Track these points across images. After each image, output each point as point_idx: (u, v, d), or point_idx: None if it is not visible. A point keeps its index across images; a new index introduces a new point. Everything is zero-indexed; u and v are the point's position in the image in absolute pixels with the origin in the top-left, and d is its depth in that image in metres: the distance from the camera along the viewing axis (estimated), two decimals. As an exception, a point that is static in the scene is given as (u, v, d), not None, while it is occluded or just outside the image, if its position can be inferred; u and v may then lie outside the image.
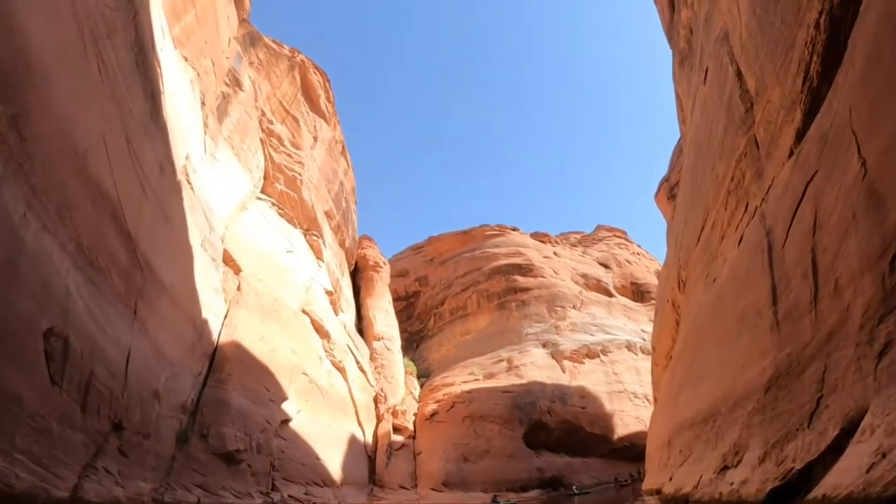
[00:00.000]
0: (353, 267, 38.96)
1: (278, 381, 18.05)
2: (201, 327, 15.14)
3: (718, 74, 10.93)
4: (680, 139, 36.11)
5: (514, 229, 53.62)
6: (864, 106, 5.30)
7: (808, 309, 6.08)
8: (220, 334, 16.02)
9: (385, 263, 41.78)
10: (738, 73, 9.60)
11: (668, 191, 36.67)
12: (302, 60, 31.40)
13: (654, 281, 45.65)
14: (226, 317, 16.90)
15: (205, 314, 15.57)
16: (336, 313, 29.13)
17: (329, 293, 29.10)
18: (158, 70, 14.66)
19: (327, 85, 34.85)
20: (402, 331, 43.00)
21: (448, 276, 47.90)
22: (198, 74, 20.51)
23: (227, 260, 19.51)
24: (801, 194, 6.58)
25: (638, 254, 50.92)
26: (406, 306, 47.85)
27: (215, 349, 15.41)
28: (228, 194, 21.58)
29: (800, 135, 7.14)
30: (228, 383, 14.64)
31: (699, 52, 14.98)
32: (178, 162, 16.08)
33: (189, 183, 17.01)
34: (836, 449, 5.25)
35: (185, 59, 19.57)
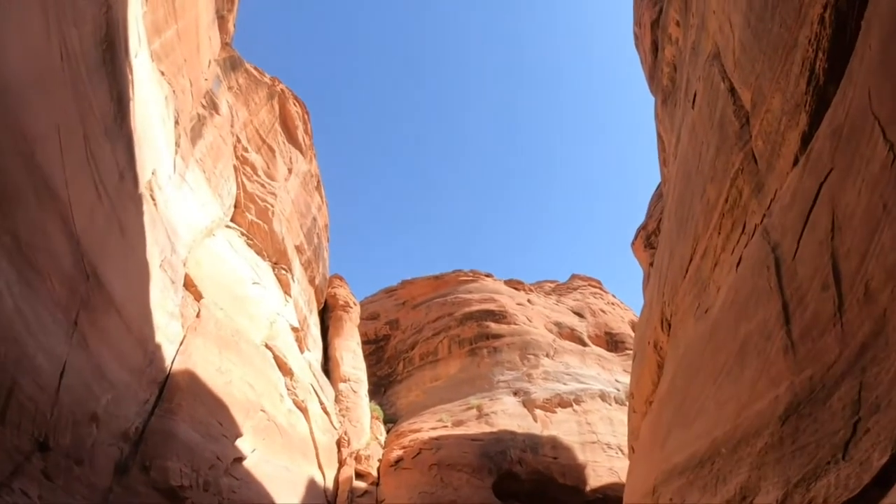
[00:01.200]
0: (322, 306, 37.73)
1: (233, 416, 16.69)
2: (153, 352, 13.92)
3: (709, 94, 10.69)
4: (659, 185, 36.54)
5: (489, 275, 53.19)
6: (885, 86, 4.83)
7: (831, 323, 5.43)
8: (173, 361, 14.77)
9: (355, 304, 40.63)
10: (731, 90, 9.33)
11: (646, 239, 36.77)
12: (282, 90, 31.09)
13: (629, 331, 45.28)
14: (181, 344, 15.67)
15: (158, 338, 14.37)
16: (302, 351, 27.80)
17: (295, 330, 27.82)
18: (130, 76, 13.95)
19: (306, 117, 34.53)
20: (371, 375, 41.47)
21: (420, 321, 46.82)
22: (174, 92, 19.85)
23: (189, 285, 18.37)
24: (812, 199, 6.05)
25: (613, 304, 50.74)
26: (376, 350, 46.42)
27: (167, 377, 14.15)
28: (195, 218, 20.60)
29: (806, 139, 6.70)
30: (178, 414, 13.36)
31: (684, 84, 14.95)
32: (143, 175, 15.18)
33: (153, 199, 16.06)
34: (883, 482, 4.48)
35: (163, 73, 18.94)
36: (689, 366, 11.43)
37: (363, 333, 43.51)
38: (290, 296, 28.80)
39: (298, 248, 32.75)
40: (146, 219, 14.60)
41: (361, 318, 44.43)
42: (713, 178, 10.30)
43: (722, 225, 9.70)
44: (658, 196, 37.21)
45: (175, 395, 13.78)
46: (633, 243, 40.26)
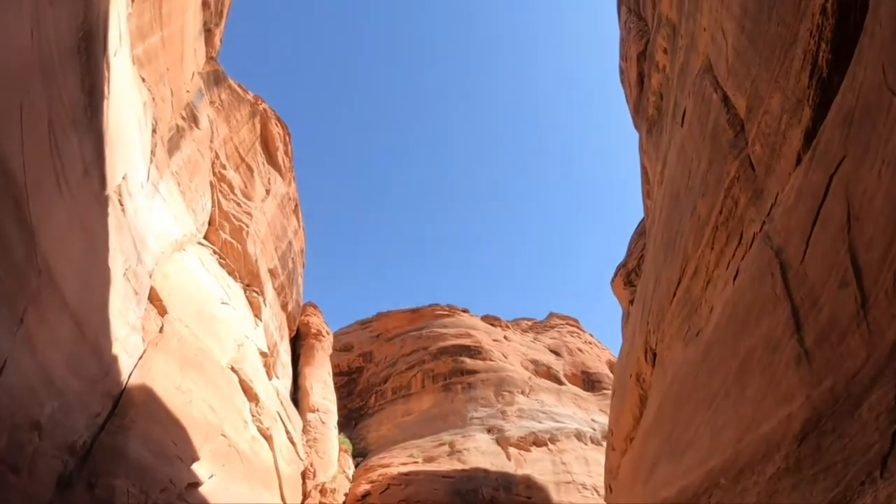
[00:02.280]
0: (293, 333, 36.58)
1: (191, 438, 15.61)
2: (109, 363, 12.99)
3: (700, 109, 10.53)
4: (640, 222, 36.65)
5: (465, 311, 52.59)
6: (902, 58, 4.53)
7: (853, 323, 4.99)
8: (130, 375, 13.80)
9: (328, 333, 39.55)
10: (725, 99, 9.17)
11: (625, 277, 36.63)
12: (265, 109, 30.75)
13: (606, 371, 44.80)
14: (140, 358, 14.71)
15: (115, 349, 13.44)
16: (270, 377, 26.65)
17: (264, 354, 26.74)
18: (106, 72, 13.40)
19: (287, 139, 34.15)
20: (342, 407, 40.11)
21: (393, 354, 45.78)
22: (153, 99, 19.32)
23: (154, 298, 17.47)
24: (823, 193, 5.70)
25: (590, 343, 50.35)
26: (348, 382, 45.12)
27: (123, 391, 13.18)
28: (166, 230, 19.79)
29: (809, 134, 6.43)
30: (130, 430, 12.36)
31: (671, 108, 14.93)
32: (112, 177, 14.48)
33: (121, 204, 15.32)
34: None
35: (143, 80, 18.43)
36: (679, 393, 10.93)
37: (336, 365, 42.29)
38: (260, 319, 27.78)
39: (272, 272, 31.85)
40: (111, 222, 13.84)
41: (334, 350, 43.26)
42: (705, 193, 10.04)
43: (715, 239, 9.38)
44: (639, 233, 37.28)
45: (129, 410, 12.79)
46: (612, 281, 40.14)
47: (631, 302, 36.08)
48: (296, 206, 37.26)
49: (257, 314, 27.51)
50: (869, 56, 5.05)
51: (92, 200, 12.58)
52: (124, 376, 13.53)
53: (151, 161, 19.51)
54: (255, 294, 28.12)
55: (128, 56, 16.40)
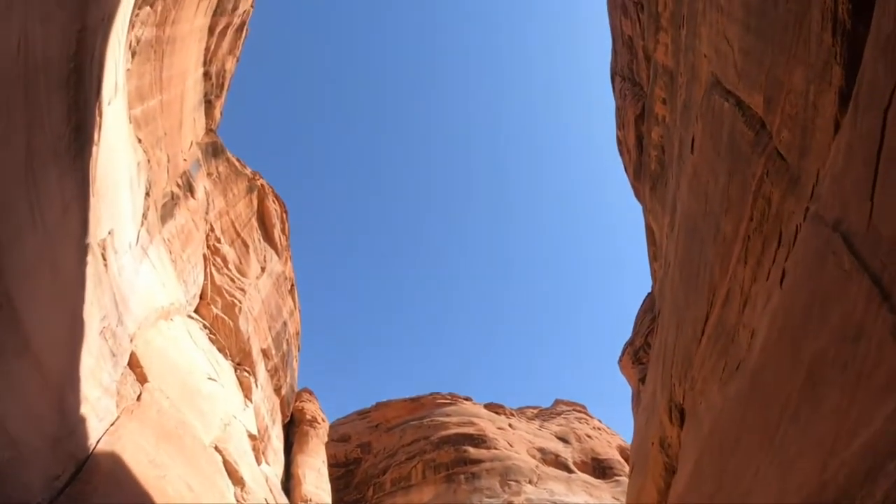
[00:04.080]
0: (287, 419, 34.48)
1: (164, 519, 13.80)
2: (74, 423, 11.63)
3: (711, 126, 10.07)
4: (645, 298, 35.72)
5: (468, 399, 50.38)
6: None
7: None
8: (99, 441, 12.37)
9: (324, 420, 37.35)
10: (738, 103, 8.77)
11: (633, 355, 35.32)
12: (262, 185, 30.72)
13: (617, 456, 42.04)
14: (112, 424, 13.30)
15: (84, 410, 12.11)
16: (259, 462, 24.57)
17: (253, 438, 24.82)
18: (97, 117, 13.07)
19: (284, 216, 33.94)
20: (339, 500, 37.13)
21: (393, 444, 43.17)
22: (148, 161, 19.05)
23: (134, 365, 16.23)
24: (879, 135, 5.03)
25: (599, 428, 47.67)
26: (345, 473, 42.19)
27: (89, 456, 11.72)
28: (153, 295, 18.84)
29: (844, 93, 5.89)
30: (93, 499, 10.80)
31: (675, 153, 14.56)
32: (96, 228, 13.77)
33: (104, 258, 14.51)
34: None
35: (140, 141, 18.24)
36: (722, 442, 9.55)
37: (332, 456, 39.68)
38: (251, 401, 26.10)
39: (265, 352, 30.45)
40: (90, 272, 12.94)
41: (332, 440, 40.78)
42: (728, 209, 9.32)
43: (748, 251, 8.51)
44: (645, 310, 36.35)
45: (94, 477, 11.29)
46: (620, 360, 38.68)
47: (640, 380, 34.48)
48: (292, 286, 36.44)
49: (247, 395, 25.87)
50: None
51: (69, 243, 11.77)
52: (92, 441, 12.08)
53: (143, 224, 18.92)
54: (245, 374, 26.62)
55: (124, 111, 16.25)
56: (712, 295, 10.43)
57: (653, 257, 24.87)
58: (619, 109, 27.78)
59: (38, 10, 9.18)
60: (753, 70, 8.15)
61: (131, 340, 16.04)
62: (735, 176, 8.99)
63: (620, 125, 28.25)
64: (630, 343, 36.63)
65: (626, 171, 31.11)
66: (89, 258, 12.94)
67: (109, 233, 15.19)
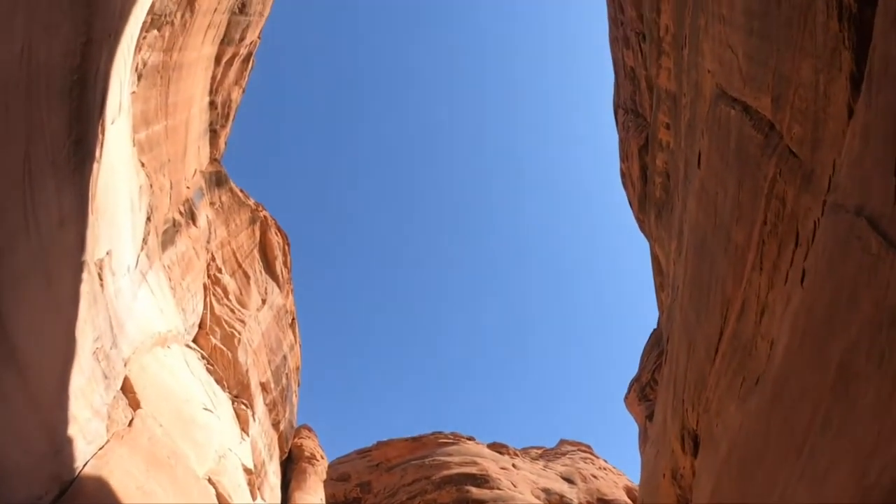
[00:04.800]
0: (285, 455, 33.55)
1: (151, 551, 13.13)
2: (61, 444, 11.18)
3: (718, 135, 9.96)
4: (651, 334, 35.12)
5: (470, 438, 49.15)
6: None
7: None
8: (86, 464, 11.88)
9: (322, 458, 36.32)
10: (745, 109, 8.69)
11: (640, 391, 34.53)
12: (265, 217, 30.68)
13: (624, 497, 40.60)
14: (101, 448, 12.81)
15: (72, 431, 11.66)
16: (254, 498, 23.68)
17: (249, 472, 24.02)
18: (100, 134, 13.03)
19: (286, 249, 33.79)
20: (334, 542, 35.65)
21: (394, 484, 41.88)
22: (151, 186, 19.00)
23: (127, 390, 15.80)
24: None
25: (605, 468, 46.24)
26: (342, 515, 40.66)
27: (74, 479, 11.23)
28: (150, 321, 18.51)
29: (856, 78, 5.79)
30: (74, 524, 10.25)
31: (682, 170, 14.42)
32: (94, 246, 13.57)
33: (101, 278, 14.26)
34: None
35: (143, 164, 18.23)
36: (743, 461, 9.02)
37: (331, 495, 38.46)
38: (247, 434, 25.38)
39: (264, 386, 29.82)
40: (85, 289, 12.66)
41: (330, 479, 39.60)
42: (739, 217, 9.09)
43: (763, 257, 8.22)
44: (652, 346, 35.75)
45: (78, 500, 10.83)
46: (626, 398, 37.83)
47: (647, 417, 33.58)
48: (293, 319, 36.02)
49: (244, 428, 25.17)
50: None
51: (65, 258, 11.54)
52: (78, 463, 11.58)
53: (143, 248, 18.73)
54: (243, 406, 25.97)
55: (127, 133, 16.28)
56: (725, 310, 10.09)
57: (659, 287, 24.52)
58: (622, 142, 27.90)
59: (43, 18, 9.20)
60: (759, 72, 8.08)
61: (125, 364, 15.63)
62: (745, 182, 8.79)
63: (624, 157, 28.32)
64: (636, 380, 35.90)
65: (630, 204, 31.01)
66: (85, 275, 12.69)
67: (107, 253, 14.98)
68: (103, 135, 13.36)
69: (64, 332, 11.65)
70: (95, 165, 13.07)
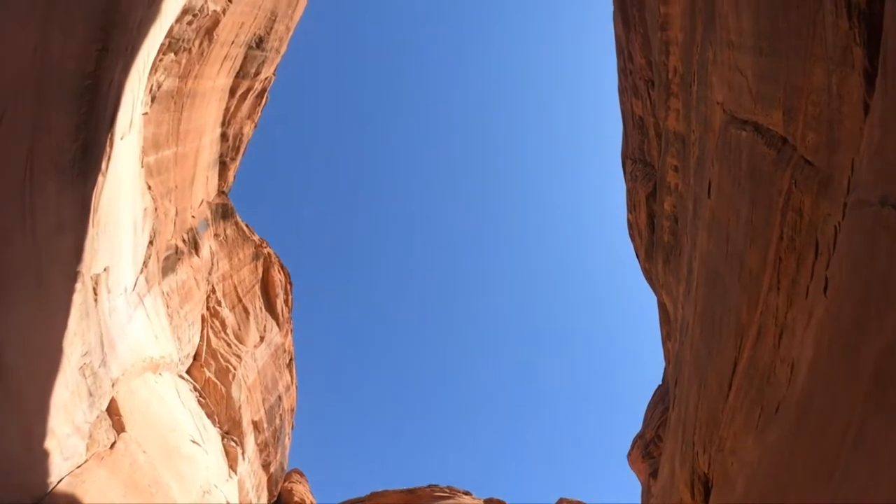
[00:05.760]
0: (274, 499, 32.21)
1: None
2: (36, 456, 10.66)
3: (729, 160, 9.87)
4: (656, 390, 34.23)
5: (467, 493, 47.21)
6: None
7: None
8: (61, 481, 11.28)
9: (313, 503, 34.80)
10: (756, 128, 8.65)
11: (643, 448, 33.31)
12: (269, 253, 30.54)
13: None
14: (79, 467, 12.20)
15: (49, 445, 11.12)
16: (236, 541, 22.52)
17: (234, 513, 22.92)
18: (107, 148, 13.04)
19: (289, 287, 33.48)
20: None
21: (384, 539, 39.87)
22: (156, 210, 18.95)
23: (113, 412, 15.26)
24: None
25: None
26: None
27: (46, 495, 10.61)
28: (143, 345, 18.07)
29: (869, 74, 5.76)
30: (39, 543, 9.58)
31: (690, 215, 14.25)
32: (91, 259, 13.37)
33: (95, 293, 13.97)
34: None
35: (149, 188, 18.24)
36: (765, 494, 8.35)
37: (317, 548, 36.51)
38: (235, 472, 24.39)
39: (256, 425, 28.90)
40: (77, 300, 12.37)
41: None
42: (753, 240, 8.84)
43: (781, 275, 7.89)
44: (656, 402, 34.82)
45: (45, 519, 10.09)
46: (629, 455, 36.48)
47: (651, 475, 32.24)
48: (290, 360, 35.32)
49: (233, 465, 24.20)
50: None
51: (59, 263, 11.31)
52: (52, 478, 10.97)
53: (142, 271, 18.50)
54: (233, 443, 25.08)
55: (136, 153, 16.35)
56: (740, 340, 9.68)
57: (666, 337, 23.97)
58: (629, 192, 27.94)
59: (61, 19, 9.31)
60: (770, 88, 8.07)
61: (113, 385, 15.09)
62: (759, 202, 8.59)
63: (631, 208, 28.29)
64: (640, 436, 34.71)
65: (637, 255, 30.75)
66: (78, 286, 12.41)
67: (105, 269, 14.75)
68: (111, 148, 13.38)
69: (51, 340, 11.28)
70: (100, 178, 13.02)
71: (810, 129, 6.82)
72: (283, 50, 24.76)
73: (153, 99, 16.37)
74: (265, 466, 29.88)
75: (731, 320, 10.03)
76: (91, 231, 13.10)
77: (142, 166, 17.29)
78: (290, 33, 24.39)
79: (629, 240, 31.26)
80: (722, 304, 10.64)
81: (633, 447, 35.35)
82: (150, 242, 19.06)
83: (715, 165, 11.21)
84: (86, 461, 12.51)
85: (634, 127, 26.42)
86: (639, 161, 26.59)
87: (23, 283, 9.68)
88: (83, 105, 10.88)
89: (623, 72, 26.51)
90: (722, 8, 10.46)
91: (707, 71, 12.03)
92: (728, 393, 10.22)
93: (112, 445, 14.19)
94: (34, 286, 10.13)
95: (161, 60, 15.58)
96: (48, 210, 10.26)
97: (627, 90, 25.72)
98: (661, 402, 33.36)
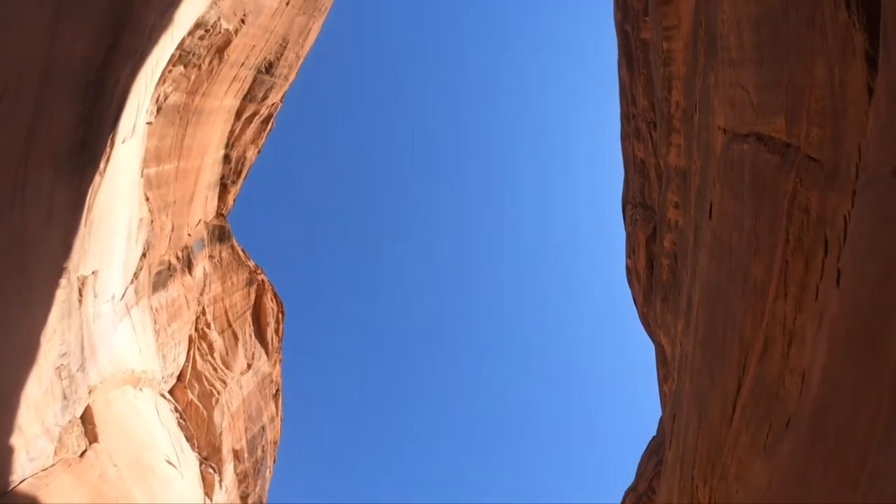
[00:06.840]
0: (247, 537, 30.59)
1: None
2: (1, 452, 10.06)
3: (731, 175, 9.84)
4: (650, 442, 33.30)
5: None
6: None
7: None
8: (23, 481, 10.69)
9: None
10: (759, 138, 8.71)
11: (636, 501, 32.14)
12: (263, 280, 30.20)
13: None
14: (45, 471, 11.60)
15: (14, 441, 10.64)
16: (206, 574, 21.29)
17: (205, 545, 21.78)
18: (108, 148, 12.99)
19: (280, 317, 32.96)
20: None
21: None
22: (152, 223, 18.77)
23: (87, 419, 14.73)
24: None
25: None
26: None
27: (6, 492, 10.04)
28: (125, 355, 17.59)
29: (871, 57, 5.58)
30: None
31: (690, 247, 14.12)
32: (80, 259, 13.16)
33: (80, 294, 13.64)
34: None
35: (147, 199, 18.12)
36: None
37: None
38: (211, 500, 23.31)
39: (236, 454, 27.87)
40: (60, 297, 12.04)
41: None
42: (758, 249, 8.67)
43: (788, 278, 7.68)
44: (650, 453, 33.85)
45: (0, 517, 9.49)
46: (621, 509, 35.22)
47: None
48: (277, 390, 34.42)
49: (209, 493, 23.17)
50: None
51: (45, 254, 11.04)
52: (14, 477, 10.40)
53: (132, 282, 18.17)
54: (210, 470, 24.09)
55: (137, 162, 16.30)
56: (744, 356, 9.36)
57: (662, 379, 23.44)
58: (629, 236, 27.96)
59: (73, 11, 9.38)
60: (771, 95, 8.13)
61: (90, 392, 14.54)
62: (763, 209, 8.47)
63: (630, 252, 28.26)
64: (632, 489, 33.60)
65: (635, 301, 30.50)
66: (63, 282, 12.09)
67: (93, 273, 14.47)
68: (111, 149, 13.32)
69: (29, 333, 10.89)
70: (98, 177, 12.91)
71: (814, 125, 6.78)
72: (291, 77, 25.19)
73: (159, 110, 16.47)
74: (243, 498, 28.63)
75: (734, 337, 9.75)
76: (82, 230, 12.88)
77: (141, 176, 17.23)
78: (300, 62, 24.87)
79: (627, 286, 31.07)
80: (724, 321, 10.38)
81: (624, 500, 34.20)
82: (143, 254, 18.80)
83: (716, 186, 11.15)
84: (52, 465, 11.90)
85: (635, 171, 26.67)
86: (639, 205, 26.71)
87: (3, 269, 9.39)
88: (87, 99, 10.87)
89: (626, 117, 26.96)
90: (723, 30, 10.64)
91: (709, 97, 12.13)
92: (732, 416, 9.83)
93: (82, 454, 13.55)
94: (15, 274, 9.85)
95: (170, 72, 15.74)
96: (40, 198, 10.09)
97: (630, 135, 26.10)
98: (655, 454, 32.41)
